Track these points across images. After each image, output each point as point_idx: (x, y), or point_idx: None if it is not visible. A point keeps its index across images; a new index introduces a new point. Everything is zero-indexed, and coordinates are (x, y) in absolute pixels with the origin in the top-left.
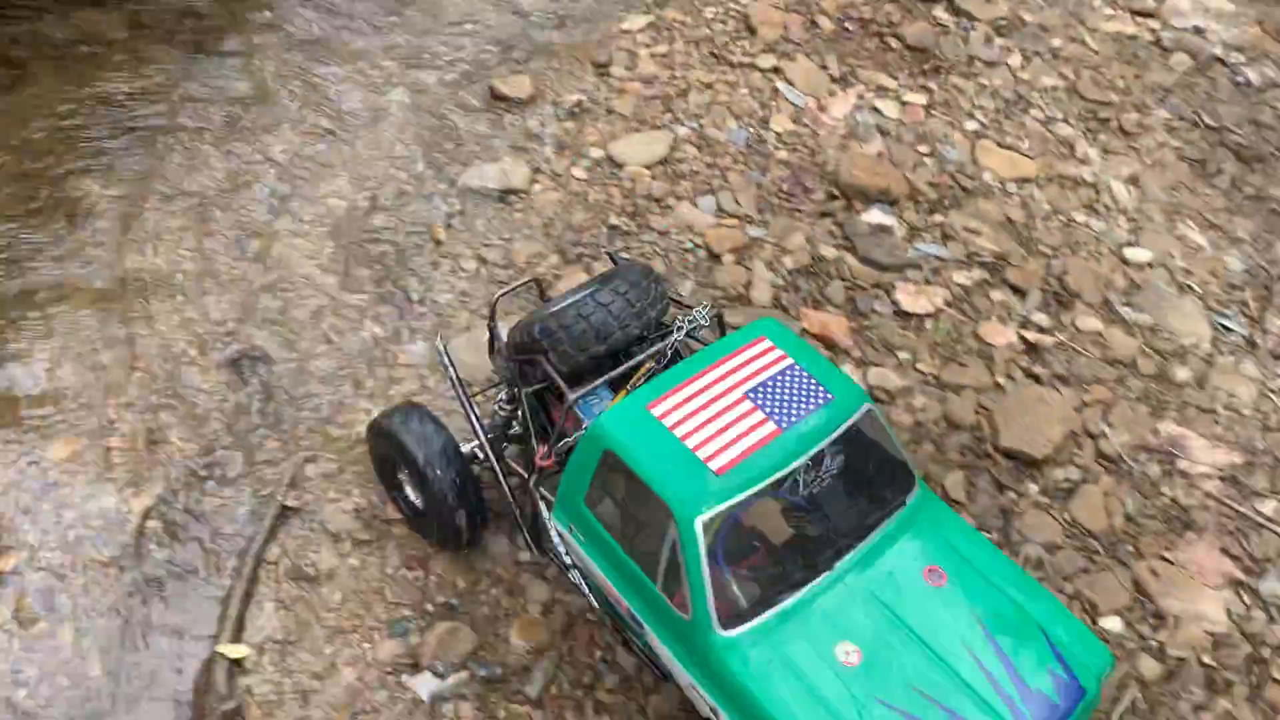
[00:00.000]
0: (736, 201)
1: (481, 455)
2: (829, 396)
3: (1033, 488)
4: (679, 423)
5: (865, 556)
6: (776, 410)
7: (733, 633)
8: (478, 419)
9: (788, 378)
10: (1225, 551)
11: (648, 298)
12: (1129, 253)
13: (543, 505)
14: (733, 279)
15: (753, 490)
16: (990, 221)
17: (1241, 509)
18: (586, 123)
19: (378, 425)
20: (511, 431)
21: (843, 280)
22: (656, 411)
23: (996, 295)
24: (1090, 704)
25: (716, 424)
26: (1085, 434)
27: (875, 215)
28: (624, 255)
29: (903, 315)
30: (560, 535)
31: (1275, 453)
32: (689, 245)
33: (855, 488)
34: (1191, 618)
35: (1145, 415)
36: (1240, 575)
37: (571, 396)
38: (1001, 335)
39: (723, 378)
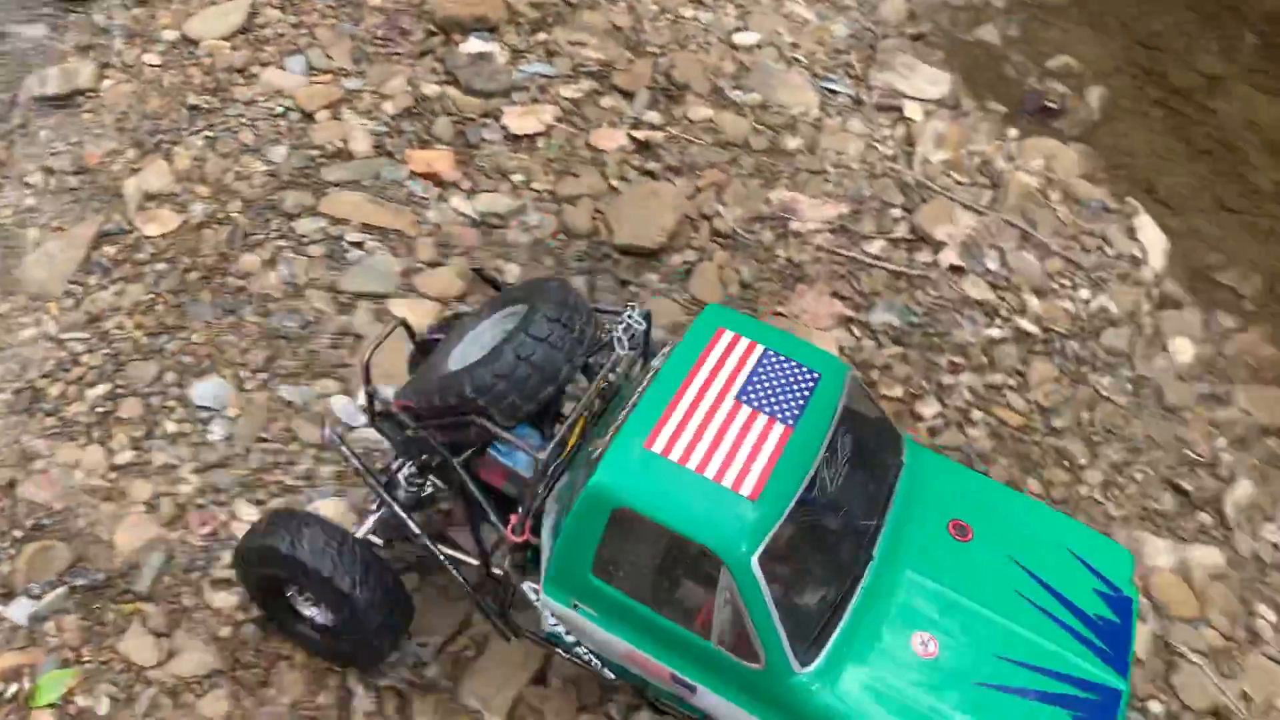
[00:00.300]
0: (328, 56)
1: (381, 541)
2: (815, 375)
3: (652, 277)
4: (687, 453)
5: (892, 536)
6: (776, 407)
7: (811, 668)
8: (399, 505)
9: (769, 367)
10: (836, 295)
11: (582, 316)
12: (738, 38)
13: (526, 587)
14: (328, 135)
15: (791, 505)
16: (597, 32)
17: (851, 254)
18: (158, 6)
19: (254, 549)
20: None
21: (449, 115)
22: (657, 448)
23: (606, 102)
24: (1136, 608)
25: (726, 442)
26: (700, 217)
27: (474, 44)
28: (493, 272)
29: (513, 139)
30: (559, 616)
31: (881, 197)
32: (279, 110)
33: (862, 464)
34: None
35: (758, 189)
36: (850, 313)
37: (544, 455)
38: (612, 140)
39: (706, 387)
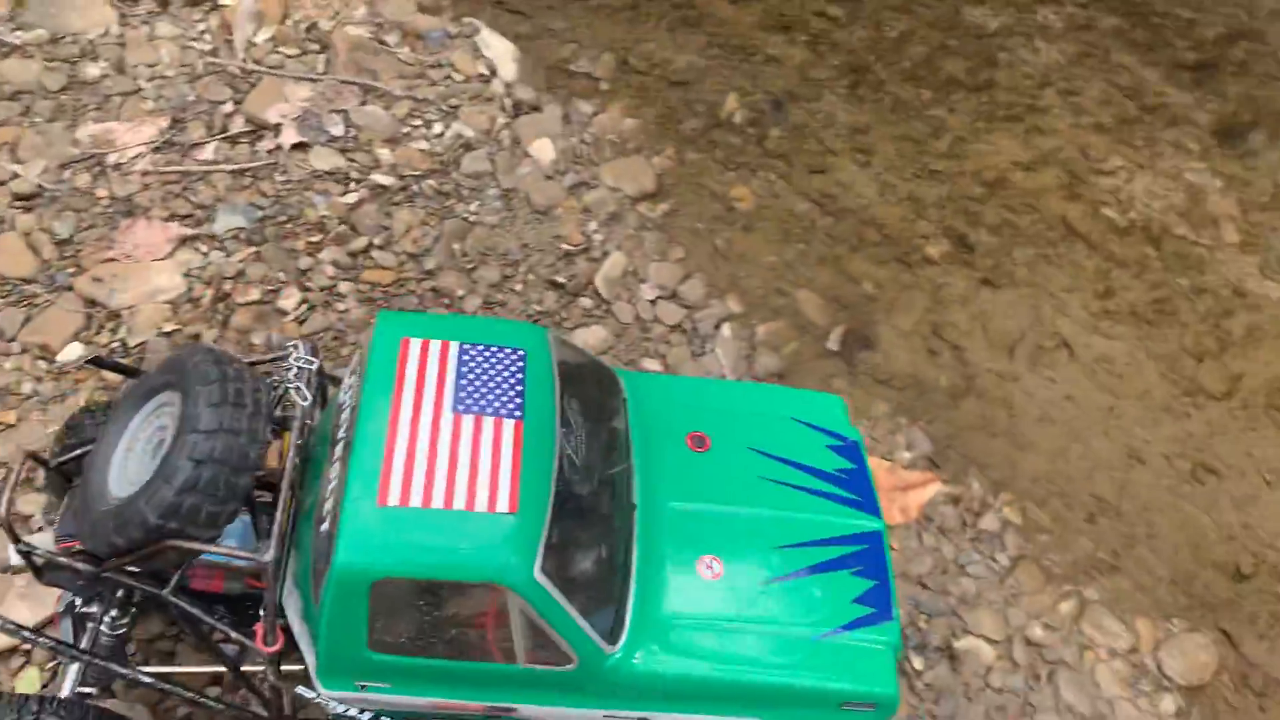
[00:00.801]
0: None
1: (95, 690)
2: (520, 353)
3: None
4: (426, 493)
5: (644, 475)
6: (496, 404)
7: (620, 644)
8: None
9: (472, 363)
10: (172, 216)
11: (247, 383)
12: None
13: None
14: None
15: (551, 502)
16: None
17: (181, 168)
18: None
19: None
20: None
21: None
22: (392, 500)
23: None
24: (863, 446)
25: (461, 463)
26: None
27: None
28: (112, 357)
29: None
30: (345, 701)
31: (207, 97)
32: None
33: (594, 419)
34: (146, 298)
35: (62, 131)
36: (190, 231)
37: (269, 556)
38: None
39: (417, 410)
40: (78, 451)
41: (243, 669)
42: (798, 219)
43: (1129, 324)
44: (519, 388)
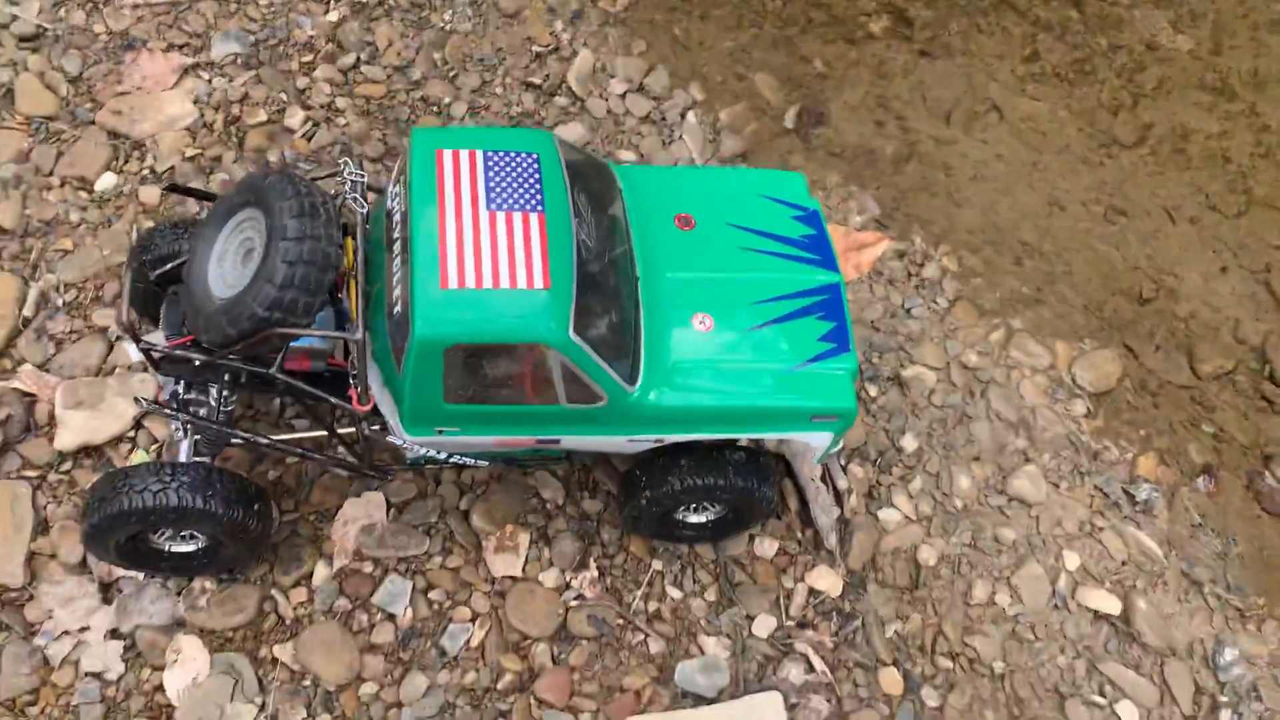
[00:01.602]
0: None
1: (209, 456)
2: (534, 156)
3: None
4: (477, 275)
5: (642, 252)
6: (521, 200)
7: (638, 385)
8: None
9: (496, 167)
10: (170, 47)
11: (318, 195)
12: None
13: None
14: None
15: (574, 277)
16: None
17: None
18: None
19: (108, 519)
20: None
21: None
22: (451, 283)
23: None
24: (821, 212)
25: (501, 250)
26: None
27: None
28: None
29: None
30: (426, 444)
31: None
32: None
33: (597, 206)
34: (164, 126)
35: None
36: (190, 60)
37: (359, 334)
38: None
39: (459, 210)
40: (174, 264)
41: (337, 429)
42: (749, 3)
43: (1052, 84)
44: (537, 185)
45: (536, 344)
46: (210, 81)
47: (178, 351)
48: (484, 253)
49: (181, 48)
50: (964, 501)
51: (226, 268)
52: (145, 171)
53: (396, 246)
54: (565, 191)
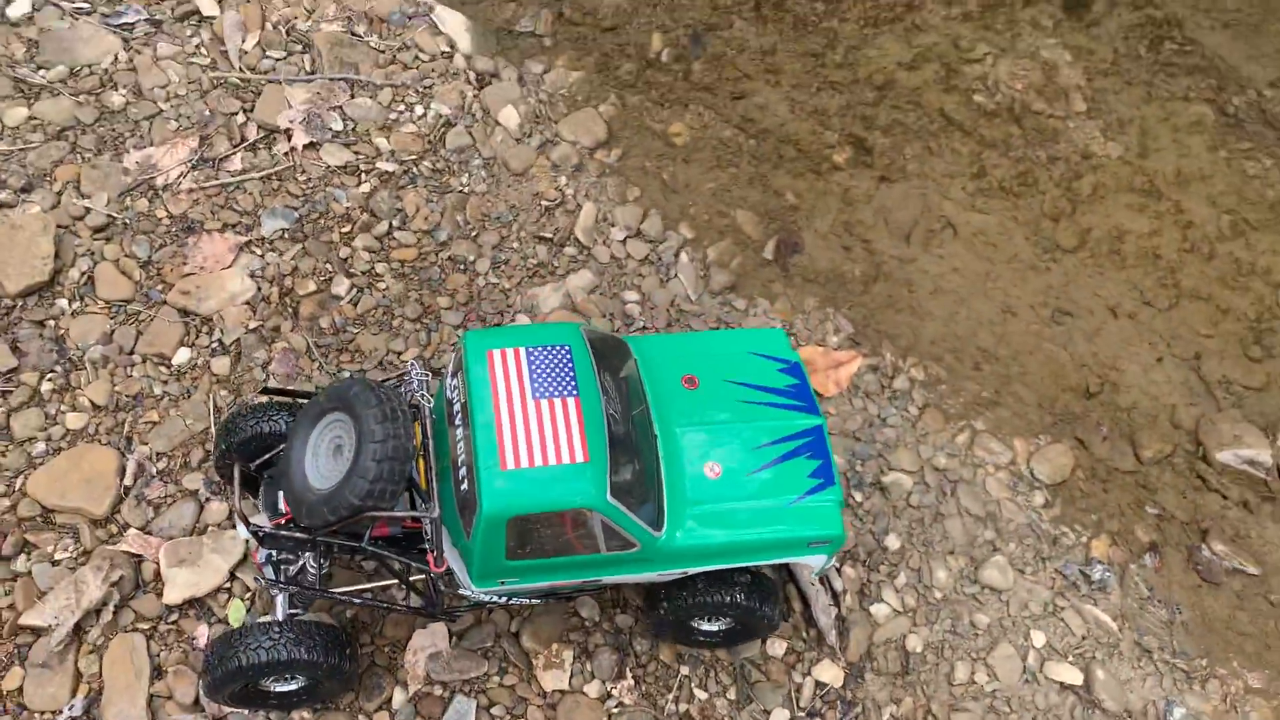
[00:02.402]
0: None
1: (302, 609)
2: (566, 348)
3: (60, 304)
4: (530, 456)
5: (657, 411)
6: (559, 388)
7: (664, 531)
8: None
9: (537, 361)
10: (225, 227)
11: (394, 399)
12: (10, 11)
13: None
14: None
15: (608, 449)
16: None
17: (218, 182)
18: None
19: (230, 673)
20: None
21: None
22: (509, 464)
23: None
24: (802, 364)
25: (547, 433)
26: (74, 223)
27: None
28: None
29: None
30: (488, 594)
31: (221, 110)
32: None
33: (618, 379)
34: (227, 302)
35: (110, 162)
36: (243, 238)
37: (436, 513)
38: None
39: (510, 402)
40: (270, 454)
41: (412, 580)
42: (726, 145)
43: (999, 198)
44: (571, 373)
45: (582, 509)
46: (263, 256)
47: (283, 533)
48: (534, 435)
49: (235, 226)
50: (943, 592)
51: (320, 461)
52: (214, 345)
53: (459, 430)
54: (594, 375)
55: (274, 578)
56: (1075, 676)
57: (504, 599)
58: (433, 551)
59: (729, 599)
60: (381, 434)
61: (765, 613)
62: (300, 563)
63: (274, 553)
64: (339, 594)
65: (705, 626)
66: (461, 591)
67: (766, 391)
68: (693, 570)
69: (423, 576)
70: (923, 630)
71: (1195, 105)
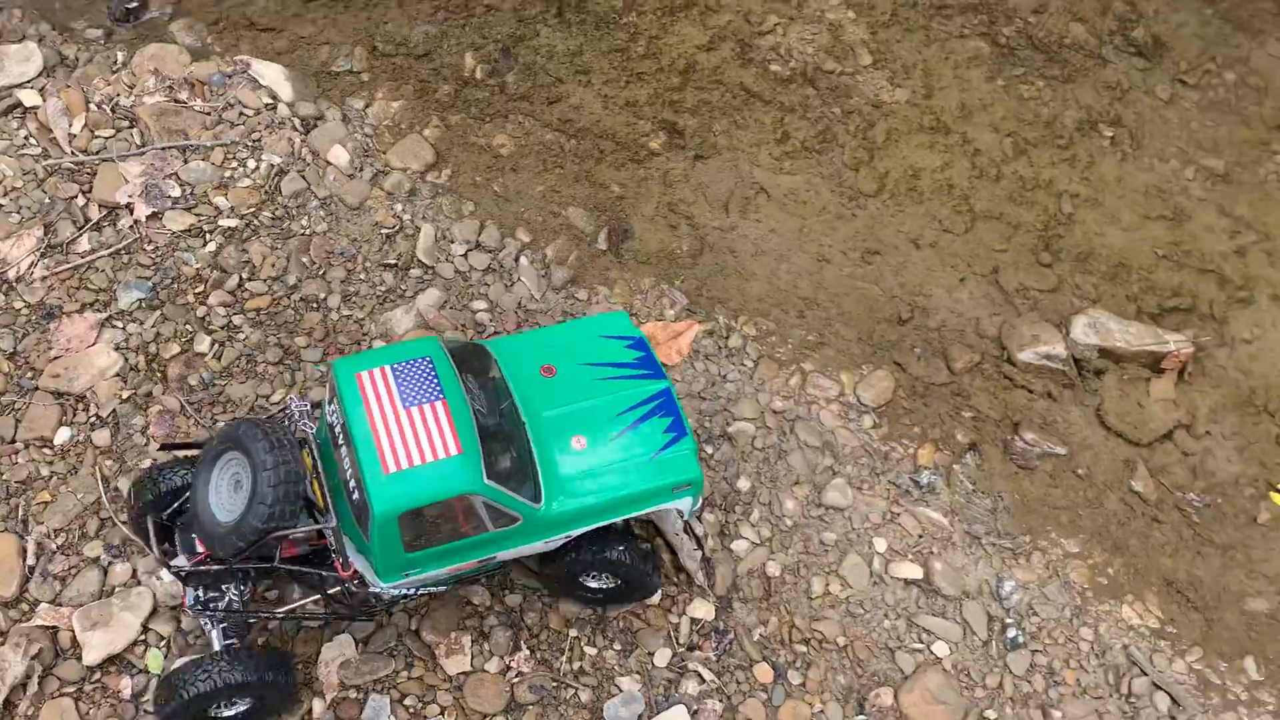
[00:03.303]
0: None
1: (235, 639)
2: (427, 359)
3: None
4: (408, 456)
5: (522, 401)
6: (426, 394)
7: (542, 502)
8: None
9: (402, 374)
10: (83, 307)
11: (278, 431)
12: None
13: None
14: None
15: (478, 438)
16: None
17: (69, 265)
18: None
19: (189, 701)
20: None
21: None
22: (391, 466)
23: None
24: (644, 336)
25: (421, 434)
26: None
27: None
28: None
29: None
30: (397, 587)
31: (59, 196)
32: None
33: (482, 377)
34: (98, 377)
35: None
36: (103, 314)
37: (334, 522)
38: None
39: (383, 412)
40: (179, 503)
41: (328, 590)
42: (549, 149)
43: (803, 158)
44: (435, 380)
45: (463, 495)
46: (125, 328)
47: (200, 568)
48: (409, 439)
49: (93, 305)
50: (793, 520)
51: (223, 497)
52: (93, 419)
53: (344, 449)
54: (456, 379)
55: (205, 612)
56: (916, 571)
57: (415, 590)
58: (339, 558)
59: (611, 555)
60: (272, 462)
61: (643, 568)
62: (225, 596)
63: (200, 593)
64: (264, 615)
65: (592, 584)
66: (374, 591)
67: (616, 367)
68: (576, 532)
69: (338, 588)
70: (779, 556)
71: (971, 41)
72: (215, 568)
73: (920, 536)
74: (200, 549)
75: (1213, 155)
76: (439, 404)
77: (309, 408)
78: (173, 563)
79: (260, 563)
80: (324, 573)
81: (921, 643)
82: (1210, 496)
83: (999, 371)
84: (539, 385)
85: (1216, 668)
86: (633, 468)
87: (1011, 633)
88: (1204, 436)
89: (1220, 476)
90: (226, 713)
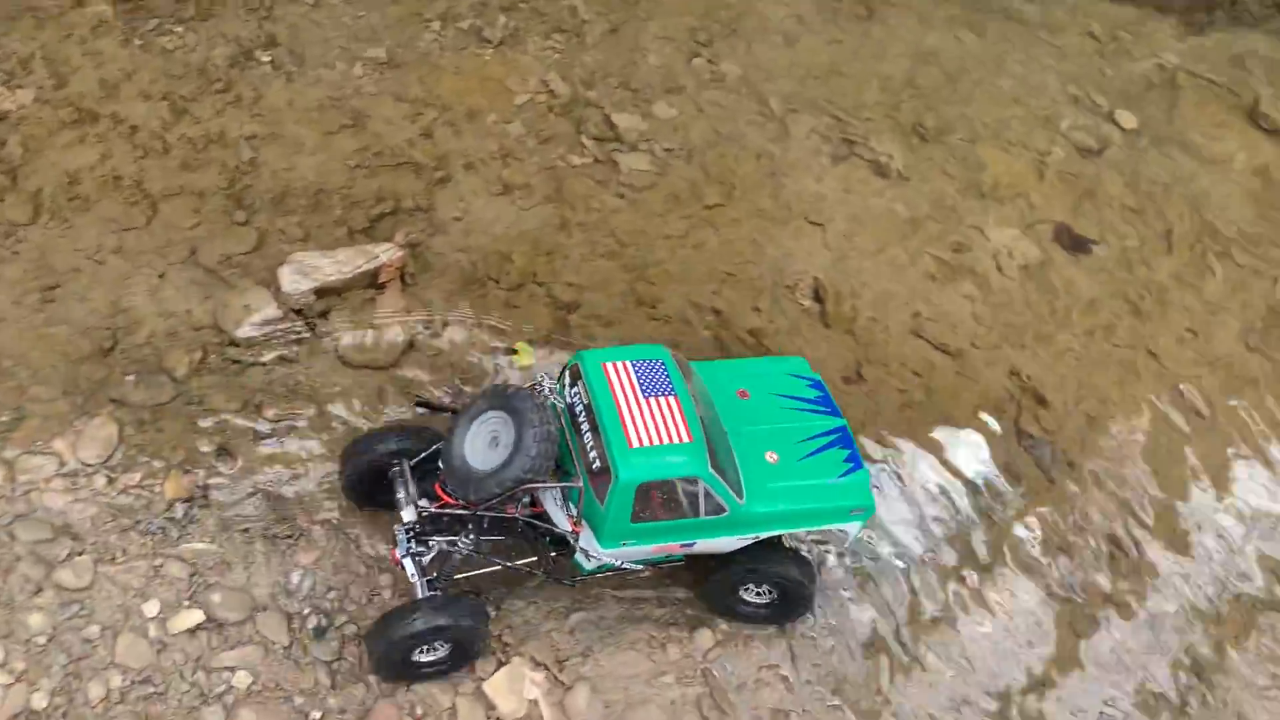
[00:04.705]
0: None
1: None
2: (660, 362)
3: None
4: (650, 437)
5: (724, 415)
6: (661, 389)
7: (745, 499)
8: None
9: (640, 371)
10: None
11: (539, 398)
12: None
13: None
14: None
15: (703, 432)
16: None
17: None
18: None
19: (398, 640)
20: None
21: None
22: (634, 442)
23: None
24: (821, 379)
25: (657, 421)
26: None
27: None
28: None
29: None
30: (612, 555)
31: None
32: None
33: (695, 387)
34: None
35: None
36: None
37: (580, 482)
38: None
39: (626, 399)
40: (428, 453)
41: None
42: None
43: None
44: (667, 380)
45: (691, 477)
46: None
47: (447, 511)
48: (649, 423)
49: None
50: (46, 634)
51: (478, 450)
52: None
53: (584, 427)
54: (684, 382)
55: (416, 570)
56: (197, 616)
57: (620, 563)
58: (572, 516)
59: (776, 567)
60: (539, 421)
61: (803, 582)
62: (432, 551)
63: (411, 544)
64: (496, 566)
65: (751, 598)
66: (585, 558)
67: (801, 400)
68: (764, 535)
69: (554, 554)
70: (44, 683)
71: (93, 6)
72: (461, 512)
73: (193, 575)
74: (441, 498)
75: (373, 44)
76: (672, 398)
77: (556, 386)
78: (420, 501)
79: (500, 513)
80: (562, 529)
81: (224, 683)
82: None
83: (225, 359)
84: (737, 405)
85: None
86: (817, 487)
87: (312, 621)
88: (446, 328)
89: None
90: (427, 658)
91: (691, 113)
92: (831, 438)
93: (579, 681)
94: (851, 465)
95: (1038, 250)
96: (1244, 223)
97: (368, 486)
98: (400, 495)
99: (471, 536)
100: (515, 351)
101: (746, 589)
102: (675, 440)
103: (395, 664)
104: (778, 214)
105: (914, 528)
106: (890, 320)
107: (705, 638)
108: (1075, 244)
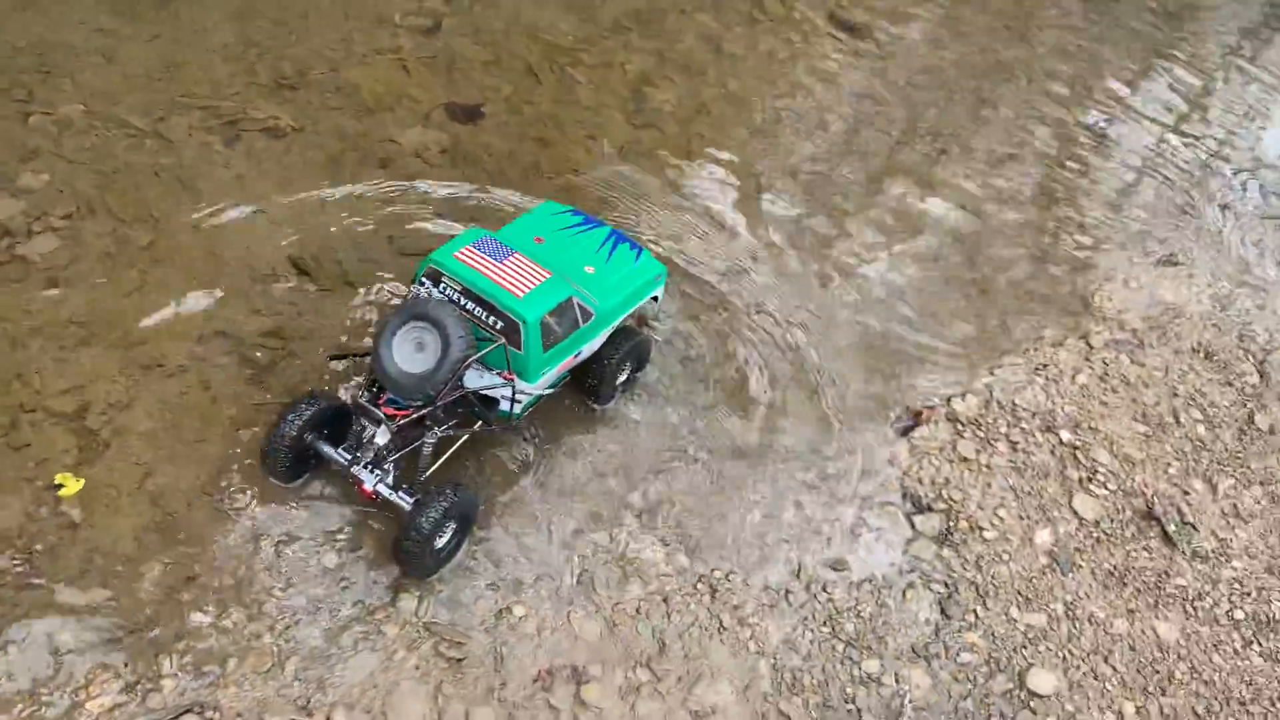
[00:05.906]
0: None
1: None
2: (485, 235)
3: None
4: (522, 285)
5: (537, 256)
6: (503, 253)
7: (598, 300)
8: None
9: (479, 248)
10: None
11: (459, 311)
12: None
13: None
14: None
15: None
16: None
17: None
18: None
19: (425, 527)
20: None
21: None
22: (516, 292)
23: None
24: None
25: (520, 273)
26: None
27: None
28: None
29: None
30: (538, 387)
31: None
32: None
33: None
34: None
35: None
36: None
37: (502, 340)
38: None
39: (488, 268)
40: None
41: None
42: None
43: None
44: (503, 245)
45: (568, 296)
46: None
47: (408, 417)
48: (516, 276)
49: None
50: None
51: (404, 357)
52: None
53: (470, 306)
54: (513, 241)
55: (391, 490)
56: None
57: (540, 393)
58: (502, 372)
59: (628, 345)
60: (451, 310)
61: (649, 345)
62: (390, 473)
63: (372, 473)
64: (454, 431)
65: (623, 378)
66: (512, 405)
67: (575, 227)
68: (615, 324)
69: (489, 414)
70: None
71: None
72: (423, 411)
73: None
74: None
75: None
76: (516, 255)
77: (430, 289)
78: (383, 422)
79: (465, 399)
80: (504, 387)
81: None
82: None
83: None
84: (542, 248)
85: None
86: (629, 271)
87: None
88: None
89: None
90: (440, 542)
91: (64, 170)
92: (612, 240)
93: (334, 708)
94: (636, 250)
95: (446, 136)
96: (575, 31)
97: (294, 462)
98: (367, 430)
99: (443, 426)
100: (61, 485)
101: (623, 369)
102: (542, 279)
103: (426, 559)
104: (206, 217)
105: None
106: None
107: (408, 601)
108: (468, 114)
